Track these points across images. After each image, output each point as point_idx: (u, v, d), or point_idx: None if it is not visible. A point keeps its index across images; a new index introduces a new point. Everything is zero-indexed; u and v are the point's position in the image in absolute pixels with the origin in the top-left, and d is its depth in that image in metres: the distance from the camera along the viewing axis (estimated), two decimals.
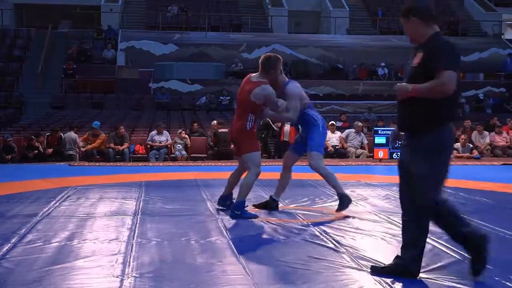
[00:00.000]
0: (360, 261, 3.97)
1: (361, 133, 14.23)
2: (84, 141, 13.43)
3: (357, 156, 13.74)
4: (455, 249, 4.27)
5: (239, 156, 5.96)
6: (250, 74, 5.89)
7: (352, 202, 6.04)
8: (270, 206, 6.07)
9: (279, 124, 13.81)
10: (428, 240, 4.54)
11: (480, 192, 7.51)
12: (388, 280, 3.55)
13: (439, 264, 3.93)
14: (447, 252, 4.24)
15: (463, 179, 8.96)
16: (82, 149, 13.22)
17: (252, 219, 5.51)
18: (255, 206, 6.14)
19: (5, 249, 4.27)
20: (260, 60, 5.75)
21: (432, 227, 5.12)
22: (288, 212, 5.94)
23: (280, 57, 5.84)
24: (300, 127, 6.15)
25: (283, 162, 6.15)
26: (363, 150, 13.83)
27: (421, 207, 3.54)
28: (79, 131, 14.36)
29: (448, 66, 3.39)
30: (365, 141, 14.07)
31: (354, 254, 4.17)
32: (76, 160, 12.79)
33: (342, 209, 5.89)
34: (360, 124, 14.51)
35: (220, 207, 6.06)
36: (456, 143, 13.71)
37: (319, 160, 5.89)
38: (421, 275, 3.65)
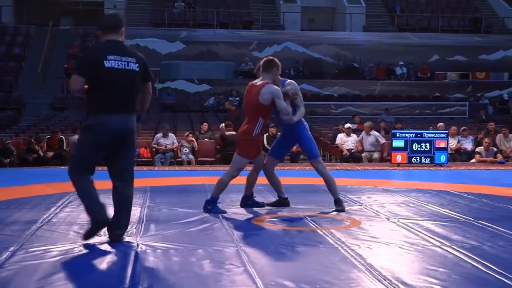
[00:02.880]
0: (376, 271, 3.97)
1: (371, 134, 14.05)
2: None
3: (370, 160, 13.61)
4: (477, 259, 4.27)
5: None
6: (251, 82, 6.37)
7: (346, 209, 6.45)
8: (281, 203, 6.69)
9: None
10: (448, 248, 4.56)
11: (505, 198, 7.47)
12: None
13: (460, 276, 3.92)
14: (468, 262, 4.22)
15: (487, 185, 8.92)
16: None
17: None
18: (268, 205, 6.71)
19: (3, 257, 4.30)
20: (260, 64, 6.28)
21: (451, 234, 5.10)
22: (301, 219, 5.95)
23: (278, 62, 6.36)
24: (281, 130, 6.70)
25: (264, 168, 6.55)
26: (377, 154, 13.70)
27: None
28: None
29: (73, 71, 4.85)
30: (382, 140, 13.91)
31: (370, 264, 4.16)
32: None
33: (338, 210, 6.35)
34: (368, 124, 14.29)
35: (245, 207, 6.57)
36: (479, 147, 13.64)
37: (322, 164, 6.54)
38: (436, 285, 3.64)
